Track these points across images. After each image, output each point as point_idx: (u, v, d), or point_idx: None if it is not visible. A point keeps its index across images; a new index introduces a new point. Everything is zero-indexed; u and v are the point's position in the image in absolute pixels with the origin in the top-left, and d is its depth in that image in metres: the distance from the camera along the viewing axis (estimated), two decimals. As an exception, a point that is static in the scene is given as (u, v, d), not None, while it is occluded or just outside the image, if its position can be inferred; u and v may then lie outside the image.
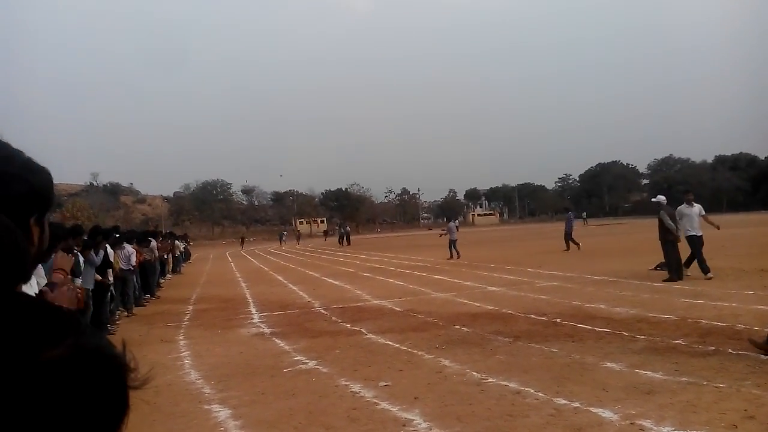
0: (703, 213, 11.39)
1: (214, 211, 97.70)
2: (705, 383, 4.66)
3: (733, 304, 8.02)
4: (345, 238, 40.06)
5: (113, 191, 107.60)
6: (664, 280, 10.81)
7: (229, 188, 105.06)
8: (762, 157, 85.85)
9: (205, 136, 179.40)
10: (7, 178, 0.76)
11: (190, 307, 11.95)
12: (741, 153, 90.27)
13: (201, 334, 8.64)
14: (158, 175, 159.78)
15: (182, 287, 16.84)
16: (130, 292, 11.63)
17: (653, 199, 12.10)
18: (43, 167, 0.82)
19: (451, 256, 20.01)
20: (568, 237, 20.78)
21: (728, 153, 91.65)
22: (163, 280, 18.44)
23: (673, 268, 10.98)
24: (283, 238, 51.16)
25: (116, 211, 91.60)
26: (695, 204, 11.40)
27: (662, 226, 11.28)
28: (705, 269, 10.80)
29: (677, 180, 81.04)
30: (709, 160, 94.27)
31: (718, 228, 11.76)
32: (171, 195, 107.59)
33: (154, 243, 14.95)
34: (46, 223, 0.83)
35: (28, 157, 0.80)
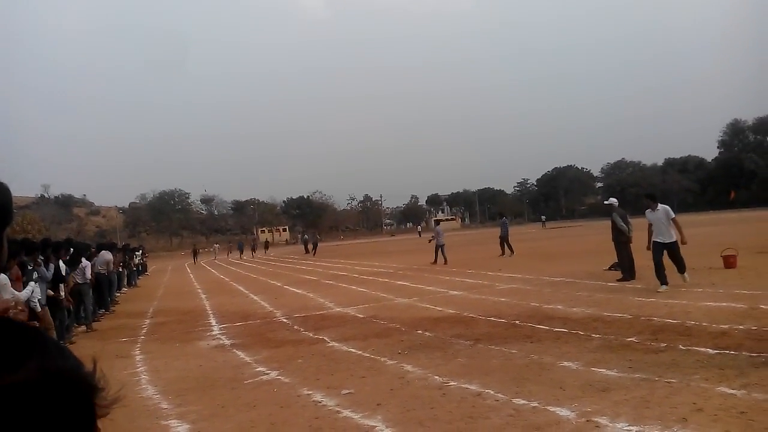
0: (672, 216, 9.83)
1: (172, 221, 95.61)
2: (657, 379, 4.82)
3: (684, 302, 8.33)
4: (313, 246, 38.84)
5: (65, 203, 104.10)
6: (618, 280, 11.15)
7: (188, 198, 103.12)
8: (709, 160, 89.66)
9: (162, 146, 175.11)
10: None
11: (147, 321, 11.64)
12: (689, 156, 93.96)
13: (158, 348, 8.42)
14: (113, 186, 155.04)
15: (139, 300, 16.39)
16: (89, 305, 11.26)
17: (606, 202, 12.50)
18: (1, 182, 0.80)
19: (436, 261, 19.62)
20: (504, 241, 21.08)
21: (677, 156, 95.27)
22: (119, 294, 17.91)
23: (626, 268, 11.33)
24: (243, 249, 48.21)
25: (69, 224, 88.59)
26: (659, 206, 9.92)
27: (615, 227, 11.63)
28: (661, 279, 9.57)
29: (629, 182, 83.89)
30: (660, 163, 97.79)
31: (683, 243, 9.86)
32: (126, 206, 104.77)
33: (109, 255, 14.50)
34: (5, 239, 0.81)
35: None
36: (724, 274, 10.81)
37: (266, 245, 52.58)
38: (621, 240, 11.48)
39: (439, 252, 19.80)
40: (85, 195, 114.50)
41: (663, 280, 9.57)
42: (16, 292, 5.86)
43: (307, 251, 40.20)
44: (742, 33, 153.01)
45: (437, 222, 25.90)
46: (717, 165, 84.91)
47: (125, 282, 20.68)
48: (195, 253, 44.21)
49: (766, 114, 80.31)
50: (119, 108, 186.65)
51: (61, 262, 9.49)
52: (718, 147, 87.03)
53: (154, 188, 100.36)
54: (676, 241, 9.78)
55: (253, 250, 49.35)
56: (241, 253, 46.36)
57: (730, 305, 7.76)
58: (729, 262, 11.52)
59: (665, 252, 9.76)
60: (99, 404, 0.53)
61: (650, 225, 10.05)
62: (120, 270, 19.17)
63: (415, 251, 31.89)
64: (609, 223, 12.14)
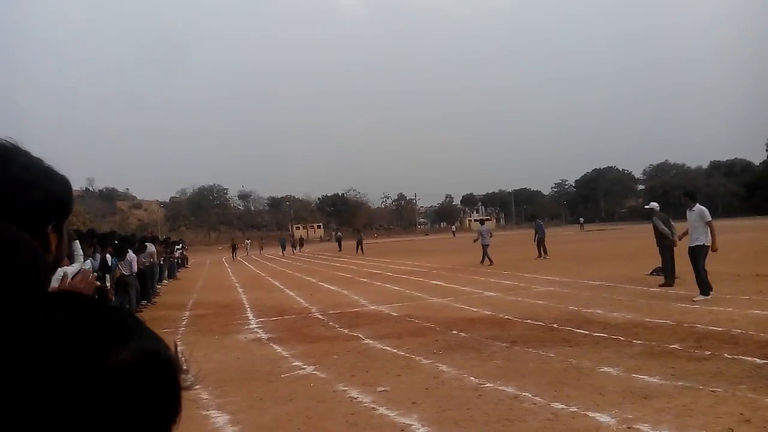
0: (708, 218, 9.39)
1: (210, 216, 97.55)
2: (701, 387, 4.69)
3: (729, 309, 8.06)
4: (357, 244, 38.04)
5: (109, 196, 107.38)
6: (661, 285, 10.85)
7: (226, 193, 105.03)
8: (756, 163, 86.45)
9: (202, 142, 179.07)
10: (24, 186, 0.78)
11: (187, 313, 11.93)
12: (736, 159, 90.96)
13: (198, 340, 8.62)
14: (154, 181, 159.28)
15: (179, 293, 16.81)
16: (134, 297, 11.63)
17: (646, 206, 12.15)
18: (62, 175, 0.84)
19: (483, 261, 19.19)
20: (540, 244, 20.67)
21: (723, 159, 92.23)
22: (159, 286, 18.41)
23: (669, 273, 11.02)
24: (285, 245, 46.76)
25: (112, 217, 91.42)
26: (696, 206, 9.56)
27: (657, 231, 11.33)
28: (703, 287, 9.17)
29: (672, 185, 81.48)
30: (705, 166, 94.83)
31: (714, 250, 9.42)
32: (167, 200, 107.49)
33: (152, 248, 14.92)
34: (65, 230, 0.85)
35: (48, 165, 0.83)
36: (773, 282, 10.40)
37: (301, 242, 52.41)
38: (665, 244, 11.17)
39: (485, 253, 19.24)
40: (128, 189, 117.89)
41: (703, 287, 9.11)
42: (66, 268, 6.06)
43: (340, 249, 40.35)
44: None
45: (481, 222, 25.02)
46: (765, 168, 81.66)
47: (166, 274, 21.24)
48: (234, 248, 42.85)
49: (820, 115, 76.95)
50: (162, 104, 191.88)
51: (108, 255, 9.81)
52: (766, 150, 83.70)
53: (194, 183, 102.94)
54: (703, 245, 9.29)
55: (293, 246, 49.17)
56: (284, 249, 46.06)
57: (779, 314, 7.48)
58: (778, 270, 11.09)
59: (694, 255, 9.30)
60: (184, 383, 0.58)
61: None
62: (161, 262, 19.72)
63: (450, 251, 31.75)
64: (650, 226, 11.86)
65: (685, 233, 9.93)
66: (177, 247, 26.50)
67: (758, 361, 5.38)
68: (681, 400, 4.41)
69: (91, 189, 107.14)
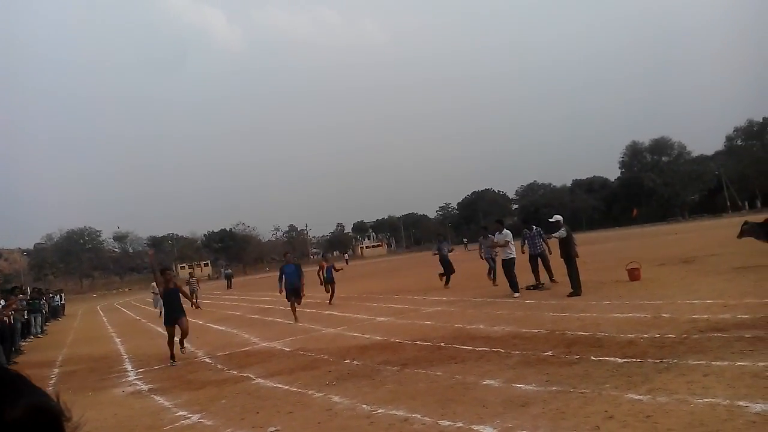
0: (510, 239, 12.93)
1: (82, 261, 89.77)
2: (572, 390, 5.08)
3: (594, 314, 8.84)
4: (226, 279, 37.75)
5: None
6: (569, 295, 11.11)
7: (99, 236, 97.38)
8: (612, 179, 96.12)
9: (69, 184, 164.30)
10: None
11: (56, 370, 10.83)
12: (594, 176, 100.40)
13: (69, 399, 7.77)
14: (15, 227, 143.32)
15: (47, 349, 15.19)
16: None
17: (551, 219, 12.14)
18: None
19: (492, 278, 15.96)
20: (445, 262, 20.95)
21: (584, 177, 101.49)
22: (24, 343, 16.53)
23: (576, 283, 11.26)
24: (231, 278, 41.22)
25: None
26: (505, 230, 13.12)
27: (563, 243, 11.59)
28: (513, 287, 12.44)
29: (541, 203, 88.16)
30: (568, 184, 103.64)
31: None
32: (31, 247, 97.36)
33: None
34: None
35: None
36: (629, 287, 11.56)
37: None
38: (571, 255, 11.48)
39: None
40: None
41: (516, 288, 12.42)
42: None
43: (229, 286, 38.78)
44: (630, 62, 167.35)
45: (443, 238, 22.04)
46: (620, 184, 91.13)
47: (34, 329, 19.10)
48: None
49: (660, 136, 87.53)
50: (20, 143, 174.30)
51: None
52: (619, 167, 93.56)
53: (62, 227, 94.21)
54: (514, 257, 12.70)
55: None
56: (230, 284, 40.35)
57: (636, 315, 8.33)
58: (634, 275, 12.34)
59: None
60: (69, 428, 0.72)
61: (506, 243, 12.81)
62: (25, 317, 17.74)
63: (343, 279, 31.73)
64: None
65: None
66: (61, 295, 23.92)
67: (619, 360, 5.94)
68: (555, 405, 4.74)
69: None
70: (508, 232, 13.13)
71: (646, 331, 7.13)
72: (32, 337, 18.65)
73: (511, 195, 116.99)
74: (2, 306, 10.02)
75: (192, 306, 12.29)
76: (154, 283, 15.69)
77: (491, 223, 16.06)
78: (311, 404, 5.80)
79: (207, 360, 9.57)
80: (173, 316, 9.80)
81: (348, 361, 7.78)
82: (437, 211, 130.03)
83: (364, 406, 5.42)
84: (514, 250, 12.92)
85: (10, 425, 0.60)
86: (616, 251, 23.66)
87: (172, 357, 9.80)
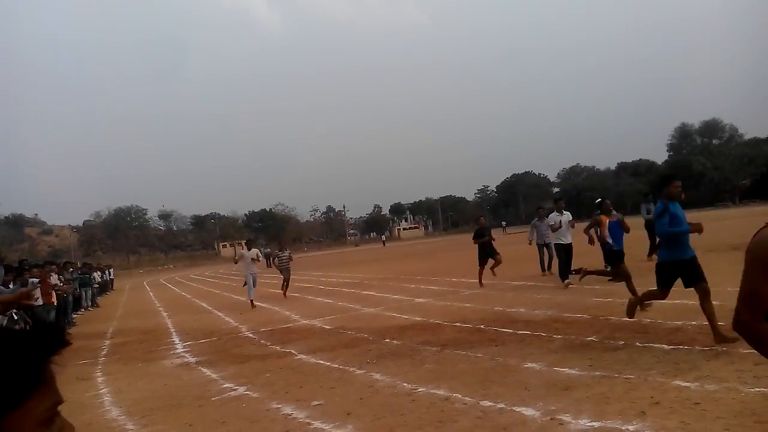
0: (571, 219, 12.03)
1: (128, 238, 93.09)
2: (616, 375, 5.01)
3: (639, 300, 8.63)
4: (265, 258, 36.97)
5: (16, 223, 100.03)
6: (610, 280, 10.42)
7: (145, 214, 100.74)
8: (659, 163, 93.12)
9: (116, 162, 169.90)
10: None
11: (107, 342, 11.32)
12: (641, 159, 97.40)
13: (120, 369, 8.21)
14: (66, 204, 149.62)
15: (97, 321, 15.90)
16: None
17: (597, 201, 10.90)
18: None
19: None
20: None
21: (629, 160, 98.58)
22: (75, 315, 17.33)
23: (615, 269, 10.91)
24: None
25: (20, 245, 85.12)
26: (565, 212, 12.10)
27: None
28: (563, 276, 11.35)
29: (584, 187, 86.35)
30: (613, 167, 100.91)
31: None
32: (80, 224, 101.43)
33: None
34: None
35: None
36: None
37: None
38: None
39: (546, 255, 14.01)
40: (36, 214, 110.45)
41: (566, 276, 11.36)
42: None
43: (269, 265, 39.52)
44: (684, 38, 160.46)
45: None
46: (667, 167, 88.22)
47: (85, 303, 19.99)
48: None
49: (711, 118, 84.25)
50: (72, 124, 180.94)
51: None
52: (667, 150, 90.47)
53: (110, 205, 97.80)
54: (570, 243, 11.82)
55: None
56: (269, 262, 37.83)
57: (683, 302, 8.08)
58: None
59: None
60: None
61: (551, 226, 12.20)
62: (76, 290, 18.57)
63: (380, 260, 31.98)
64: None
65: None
66: (96, 274, 24.92)
67: (666, 347, 5.82)
68: (599, 389, 4.69)
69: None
70: (569, 213, 12.10)
71: (694, 318, 6.94)
72: (83, 309, 19.51)
73: (553, 178, 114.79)
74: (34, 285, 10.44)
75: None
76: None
77: (545, 205, 15.15)
78: (353, 381, 5.91)
79: (250, 335, 9.84)
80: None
81: (388, 340, 7.86)
82: (475, 193, 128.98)
83: (405, 384, 5.49)
84: (570, 236, 11.93)
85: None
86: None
87: None
